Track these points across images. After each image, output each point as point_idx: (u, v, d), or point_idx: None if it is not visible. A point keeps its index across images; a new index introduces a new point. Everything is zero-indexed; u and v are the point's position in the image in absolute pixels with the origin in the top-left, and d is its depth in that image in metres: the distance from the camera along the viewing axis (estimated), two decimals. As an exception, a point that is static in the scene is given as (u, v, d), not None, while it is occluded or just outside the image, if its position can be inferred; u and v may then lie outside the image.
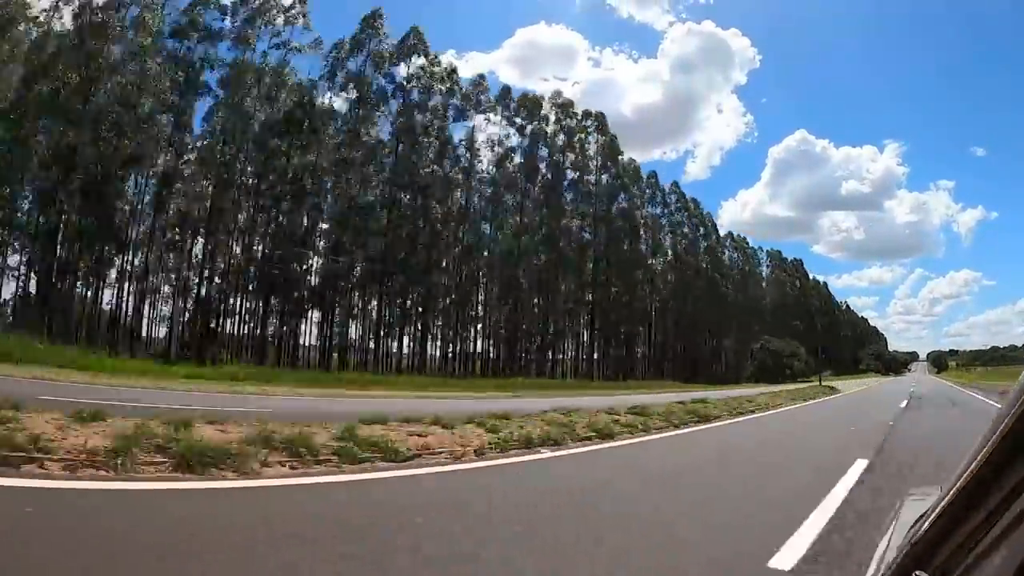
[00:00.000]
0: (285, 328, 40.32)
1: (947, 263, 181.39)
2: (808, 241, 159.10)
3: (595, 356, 58.86)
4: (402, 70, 45.06)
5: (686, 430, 10.80)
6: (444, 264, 46.10)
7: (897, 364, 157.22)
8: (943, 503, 0.74)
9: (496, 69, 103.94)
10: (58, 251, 33.76)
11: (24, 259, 33.32)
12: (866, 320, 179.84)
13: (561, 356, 56.48)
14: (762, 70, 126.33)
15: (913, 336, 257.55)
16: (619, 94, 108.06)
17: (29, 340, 22.32)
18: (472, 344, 48.50)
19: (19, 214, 32.89)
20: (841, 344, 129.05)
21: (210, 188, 37.29)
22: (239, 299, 39.32)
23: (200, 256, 38.29)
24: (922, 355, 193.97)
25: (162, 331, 37.69)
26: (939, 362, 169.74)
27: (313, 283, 41.47)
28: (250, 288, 39.34)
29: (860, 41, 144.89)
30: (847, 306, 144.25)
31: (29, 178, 32.23)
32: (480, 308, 49.88)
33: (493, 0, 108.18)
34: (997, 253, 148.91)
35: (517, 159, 50.79)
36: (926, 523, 0.78)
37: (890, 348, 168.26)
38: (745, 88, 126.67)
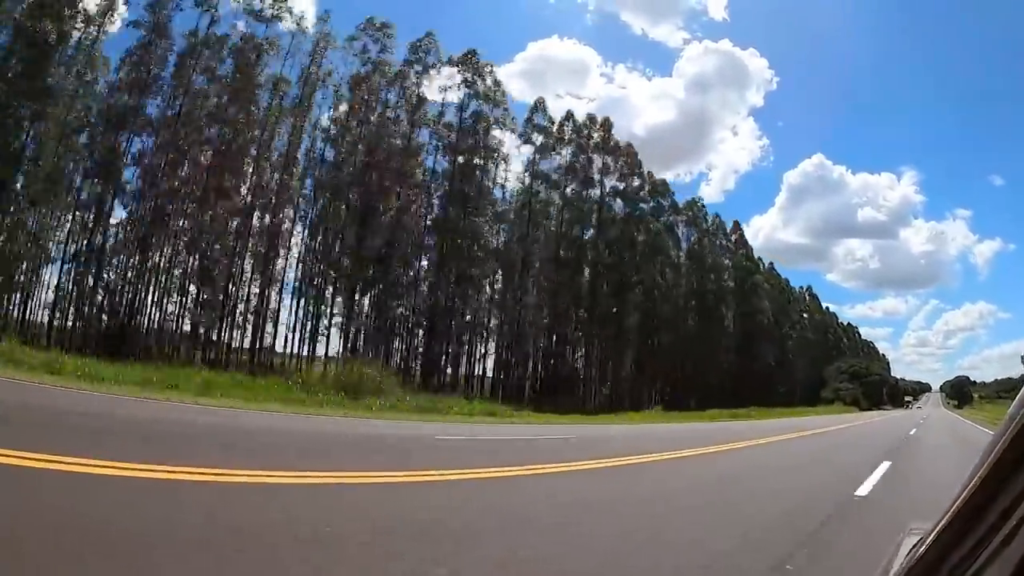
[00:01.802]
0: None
1: (963, 295, 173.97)
2: (822, 269, 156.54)
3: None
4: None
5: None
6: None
7: (898, 393, 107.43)
8: (939, 528, 0.77)
9: (508, 83, 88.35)
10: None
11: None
12: (854, 329, 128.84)
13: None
14: (779, 92, 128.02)
15: (926, 368, 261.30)
16: (632, 112, 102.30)
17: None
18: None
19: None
20: (795, 353, 77.96)
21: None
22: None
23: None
24: (935, 388, 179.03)
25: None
26: (959, 392, 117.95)
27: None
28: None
29: (880, 68, 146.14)
30: (809, 295, 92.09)
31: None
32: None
33: (505, 13, 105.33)
34: (1014, 286, 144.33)
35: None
36: (923, 547, 0.81)
37: (901, 377, 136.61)
38: (761, 110, 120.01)
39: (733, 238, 58.49)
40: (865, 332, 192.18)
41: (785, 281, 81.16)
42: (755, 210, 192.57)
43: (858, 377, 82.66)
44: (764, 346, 59.90)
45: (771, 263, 76.90)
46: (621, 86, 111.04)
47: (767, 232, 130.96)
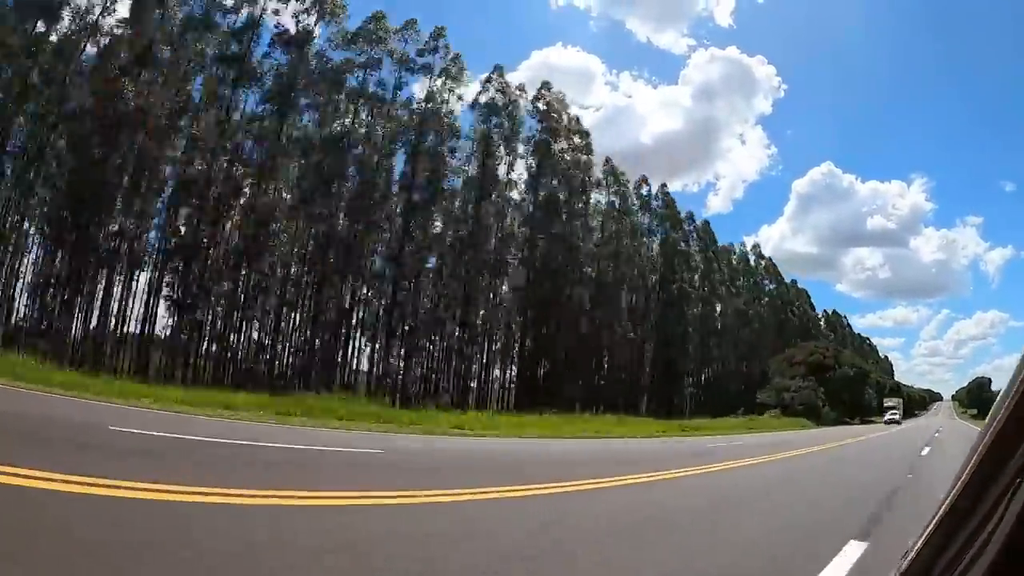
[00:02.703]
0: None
1: (974, 303, 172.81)
2: (831, 279, 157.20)
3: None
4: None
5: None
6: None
7: (905, 400, 78.71)
8: (927, 532, 0.81)
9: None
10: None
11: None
12: (841, 318, 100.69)
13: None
14: (788, 100, 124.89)
15: (937, 379, 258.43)
16: (638, 121, 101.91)
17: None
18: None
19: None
20: (709, 333, 49.24)
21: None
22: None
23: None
24: (946, 397, 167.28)
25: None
26: (978, 398, 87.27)
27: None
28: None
29: (889, 72, 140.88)
30: (758, 255, 63.97)
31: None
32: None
33: (508, 22, 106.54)
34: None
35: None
36: (913, 552, 0.85)
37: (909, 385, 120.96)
38: (770, 118, 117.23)
39: (540, 104, 30.95)
40: (876, 342, 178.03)
41: (704, 224, 53.48)
42: (764, 220, 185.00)
43: (820, 371, 54.13)
44: (605, 305, 31.97)
45: (663, 183, 49.05)
46: (627, 94, 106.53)
47: (775, 242, 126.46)
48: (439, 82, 30.33)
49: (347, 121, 29.42)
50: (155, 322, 27.16)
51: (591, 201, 35.54)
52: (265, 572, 2.87)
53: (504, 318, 31.42)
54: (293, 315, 29.59)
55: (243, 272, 27.75)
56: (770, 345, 59.49)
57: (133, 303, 27.02)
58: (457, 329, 30.70)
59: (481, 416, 21.63)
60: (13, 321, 25.05)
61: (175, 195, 26.97)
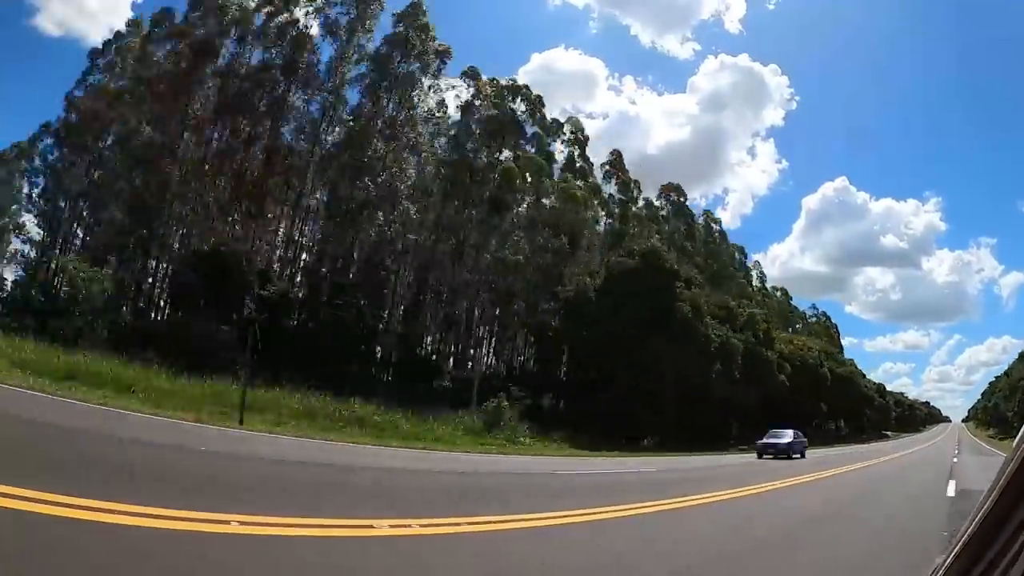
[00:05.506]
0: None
1: (986, 328, 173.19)
2: (842, 300, 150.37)
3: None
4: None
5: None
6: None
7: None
8: (955, 552, 0.83)
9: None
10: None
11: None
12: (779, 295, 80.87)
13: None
14: (800, 112, 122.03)
15: (948, 405, 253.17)
16: (642, 130, 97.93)
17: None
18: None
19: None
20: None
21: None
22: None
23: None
24: (956, 420, 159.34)
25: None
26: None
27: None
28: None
29: (905, 88, 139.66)
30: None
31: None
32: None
33: (506, 25, 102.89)
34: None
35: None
36: (941, 570, 0.88)
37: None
38: (781, 130, 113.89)
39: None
40: (887, 367, 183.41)
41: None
42: (773, 238, 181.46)
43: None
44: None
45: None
46: (631, 100, 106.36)
47: (784, 260, 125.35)
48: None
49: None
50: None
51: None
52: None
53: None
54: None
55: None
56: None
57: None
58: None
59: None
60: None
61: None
